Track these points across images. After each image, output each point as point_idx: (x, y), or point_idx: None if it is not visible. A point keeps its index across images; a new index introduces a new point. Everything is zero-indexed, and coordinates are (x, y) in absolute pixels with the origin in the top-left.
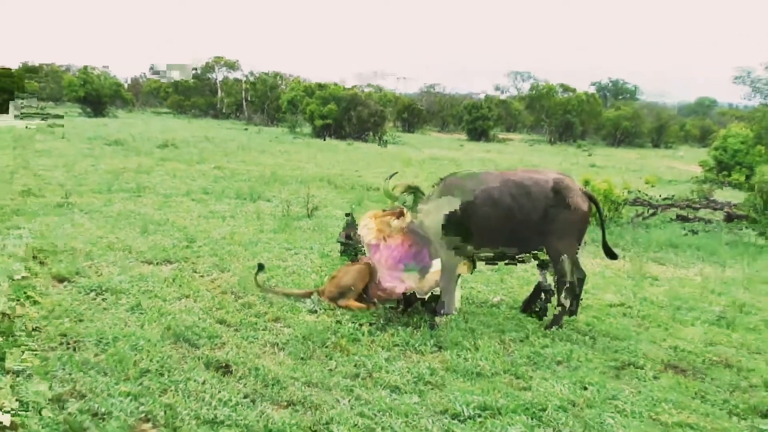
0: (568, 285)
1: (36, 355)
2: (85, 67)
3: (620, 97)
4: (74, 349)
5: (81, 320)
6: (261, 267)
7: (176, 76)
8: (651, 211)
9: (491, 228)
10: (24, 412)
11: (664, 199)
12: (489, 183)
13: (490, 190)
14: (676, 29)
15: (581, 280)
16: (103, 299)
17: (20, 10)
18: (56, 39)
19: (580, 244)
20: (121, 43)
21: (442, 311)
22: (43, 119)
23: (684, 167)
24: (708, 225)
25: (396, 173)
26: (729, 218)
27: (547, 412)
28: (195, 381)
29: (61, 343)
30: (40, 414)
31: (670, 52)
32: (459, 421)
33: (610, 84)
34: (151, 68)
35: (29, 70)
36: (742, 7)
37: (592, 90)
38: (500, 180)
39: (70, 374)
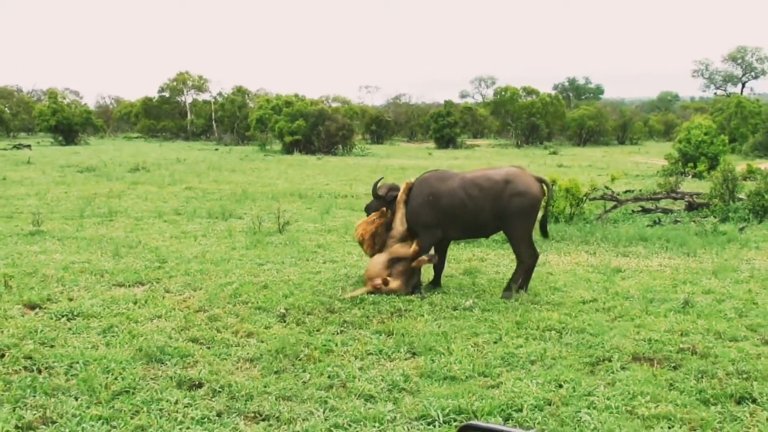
0: None
1: (1, 379)
2: (54, 94)
3: (583, 97)
4: (48, 375)
5: (52, 345)
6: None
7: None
8: (613, 204)
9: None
10: None
11: (625, 192)
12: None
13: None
14: (636, 27)
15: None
16: (74, 324)
17: None
18: (14, 60)
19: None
20: (83, 63)
21: None
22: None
23: (651, 161)
24: (669, 215)
25: (383, 177)
26: (690, 207)
27: (523, 412)
28: (167, 401)
29: (29, 368)
30: None
31: (630, 50)
32: (434, 426)
33: (567, 83)
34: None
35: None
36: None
37: (554, 92)
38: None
39: (39, 400)
